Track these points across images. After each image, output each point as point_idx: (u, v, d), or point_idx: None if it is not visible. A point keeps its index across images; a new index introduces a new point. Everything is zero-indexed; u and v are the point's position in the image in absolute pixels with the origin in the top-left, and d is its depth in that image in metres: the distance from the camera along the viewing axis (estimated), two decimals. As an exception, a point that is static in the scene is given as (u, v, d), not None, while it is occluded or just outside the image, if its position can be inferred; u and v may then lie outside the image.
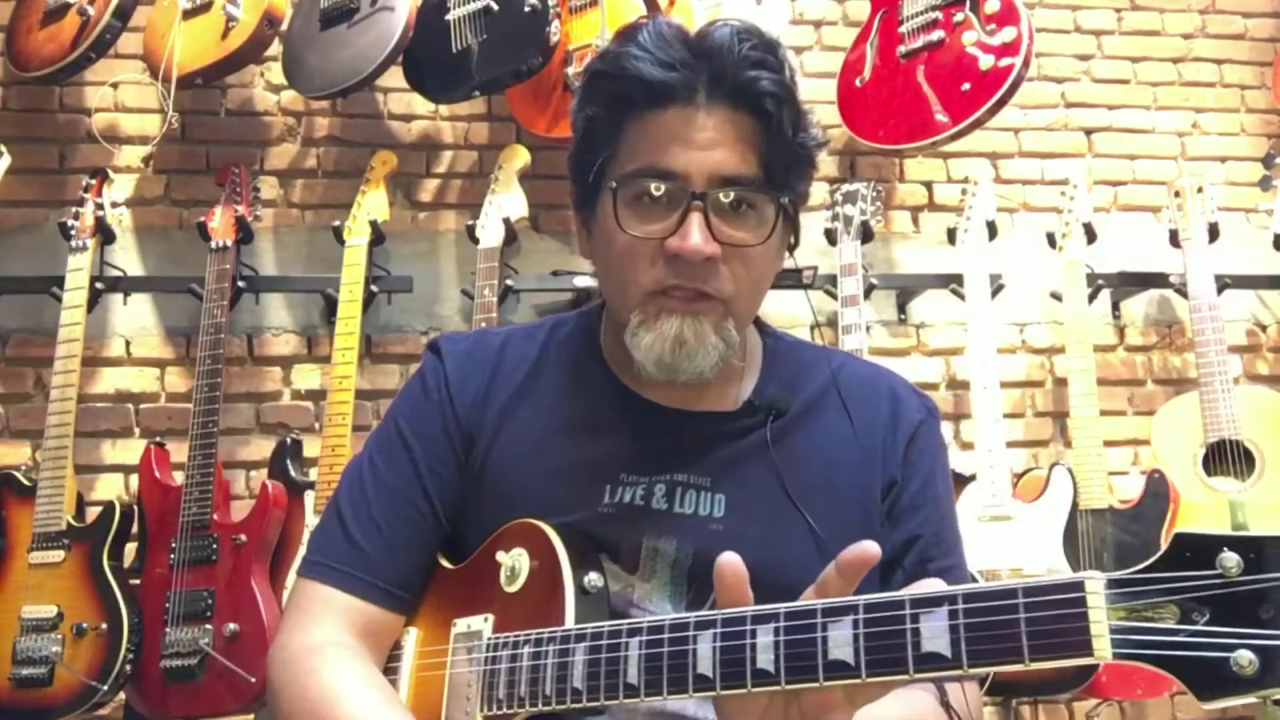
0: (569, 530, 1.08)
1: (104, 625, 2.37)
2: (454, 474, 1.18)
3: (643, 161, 1.06)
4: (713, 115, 1.05)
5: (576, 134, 1.14)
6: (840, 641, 0.82)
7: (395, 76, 2.87)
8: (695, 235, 1.04)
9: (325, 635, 1.11)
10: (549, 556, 1.06)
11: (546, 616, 1.03)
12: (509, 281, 2.85)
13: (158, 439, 2.67)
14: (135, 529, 2.54)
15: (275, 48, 2.91)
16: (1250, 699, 0.68)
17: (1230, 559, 0.69)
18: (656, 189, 1.06)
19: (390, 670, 1.13)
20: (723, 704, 0.92)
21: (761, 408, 1.16)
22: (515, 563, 1.08)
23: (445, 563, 1.18)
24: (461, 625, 1.10)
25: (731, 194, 1.06)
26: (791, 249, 1.16)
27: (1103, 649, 0.71)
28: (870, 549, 0.87)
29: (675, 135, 1.05)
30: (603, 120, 1.10)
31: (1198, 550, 0.71)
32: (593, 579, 1.04)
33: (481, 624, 1.08)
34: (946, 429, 3.08)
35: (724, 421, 1.16)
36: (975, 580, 1.20)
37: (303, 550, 1.97)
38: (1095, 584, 0.72)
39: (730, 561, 0.90)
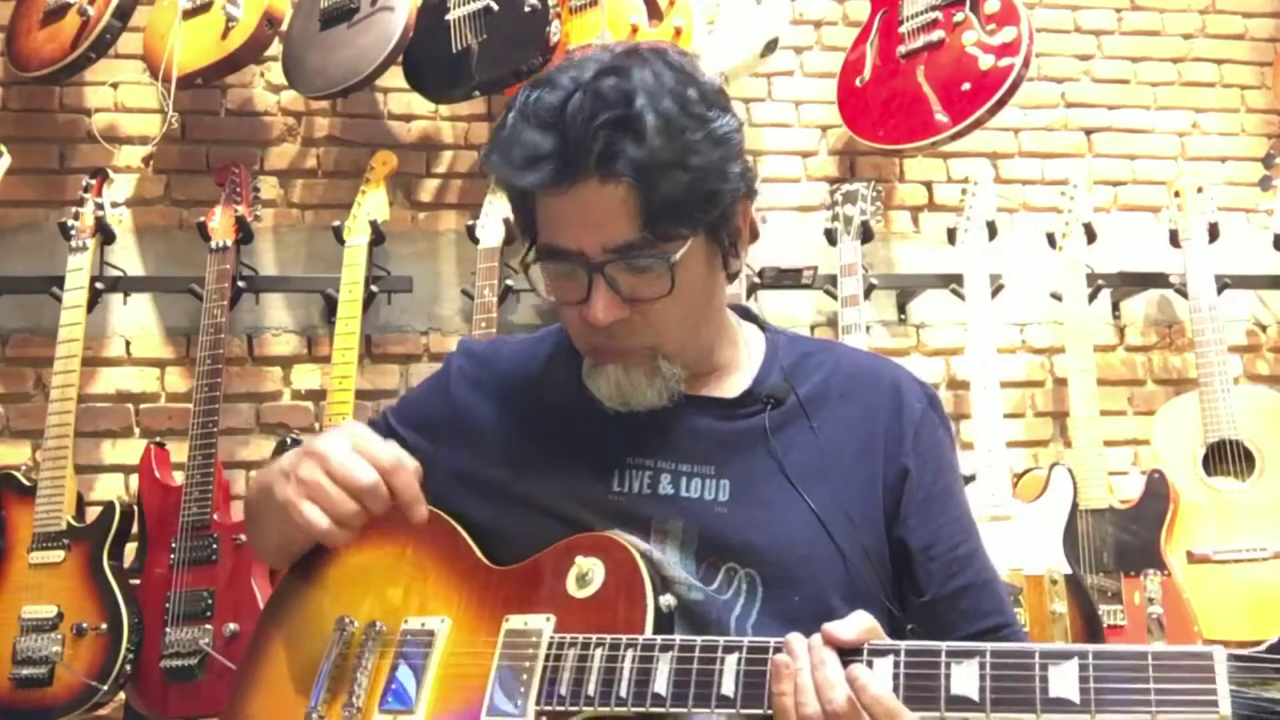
0: (642, 551, 1.12)
1: (104, 625, 2.37)
2: (428, 458, 1.25)
3: (544, 239, 1.12)
4: (585, 193, 1.06)
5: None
6: (964, 678, 0.90)
7: (395, 76, 2.87)
8: (597, 308, 1.09)
9: None
10: (628, 570, 1.09)
11: (615, 626, 1.06)
12: (509, 281, 2.85)
13: (158, 439, 2.67)
14: (135, 529, 2.54)
15: (275, 48, 2.91)
16: None
17: None
18: (559, 266, 1.12)
19: (416, 655, 1.15)
20: None
21: (761, 397, 1.21)
22: (590, 570, 1.11)
23: (487, 561, 1.20)
24: (516, 622, 1.12)
25: (624, 261, 1.09)
26: (727, 267, 1.18)
27: (1225, 708, 0.82)
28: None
29: (561, 215, 1.09)
30: (515, 198, 1.16)
31: None
32: (668, 600, 1.08)
33: (542, 623, 1.10)
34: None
35: (725, 408, 1.21)
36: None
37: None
38: (1221, 653, 0.84)
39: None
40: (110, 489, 2.84)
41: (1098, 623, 2.53)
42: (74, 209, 2.73)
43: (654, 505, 1.16)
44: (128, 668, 2.36)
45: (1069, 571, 2.56)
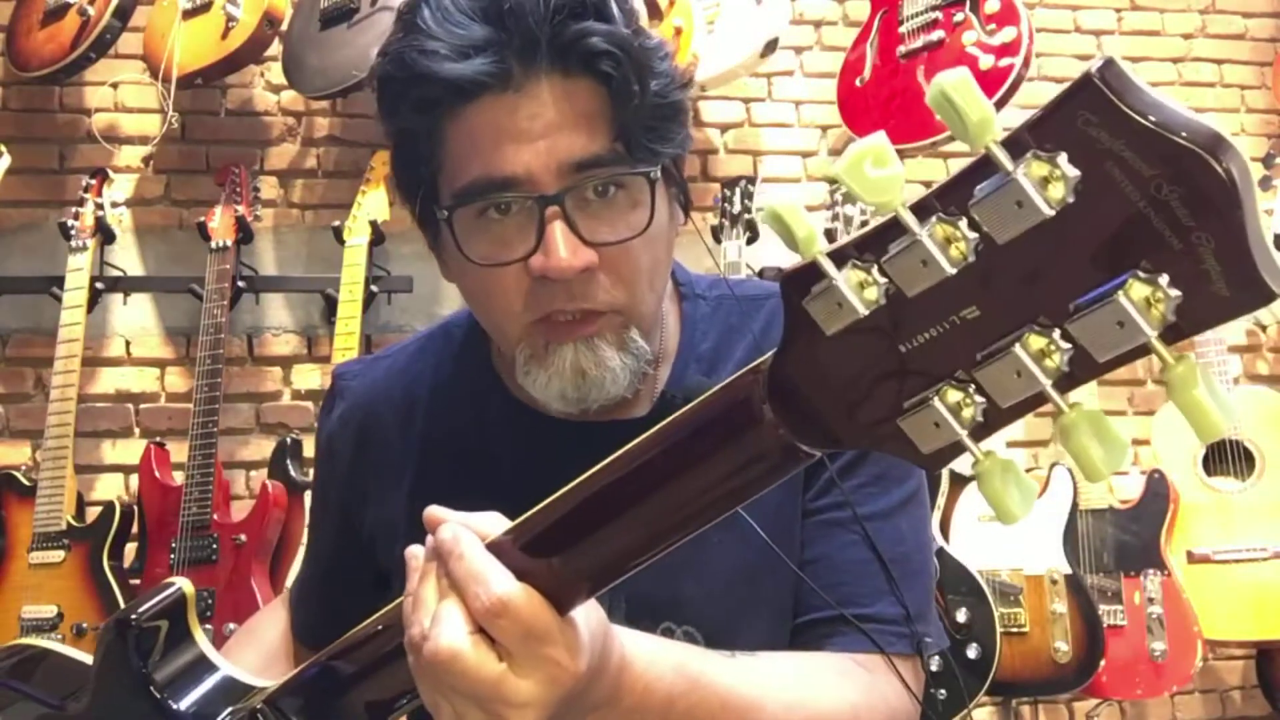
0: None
1: (104, 625, 2.37)
2: (342, 534, 1.11)
3: (474, 174, 0.85)
4: (539, 94, 0.83)
5: (391, 147, 0.94)
6: None
7: (395, 76, 2.87)
8: (560, 249, 0.83)
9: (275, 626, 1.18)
10: None
11: None
12: (509, 281, 2.84)
13: (158, 439, 2.67)
14: (135, 529, 2.54)
15: (275, 48, 2.91)
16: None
17: None
18: (498, 204, 0.86)
19: None
20: None
21: (678, 402, 0.91)
22: None
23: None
24: None
25: (591, 184, 0.85)
26: (686, 211, 0.97)
27: None
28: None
29: (502, 131, 0.84)
30: (413, 130, 0.88)
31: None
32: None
33: None
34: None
35: (637, 430, 0.89)
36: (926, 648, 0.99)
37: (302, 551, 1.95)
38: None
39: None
40: (110, 489, 2.84)
41: (1098, 623, 2.53)
42: (74, 209, 2.73)
43: None
44: (128, 668, 2.36)
45: (1069, 571, 2.56)
